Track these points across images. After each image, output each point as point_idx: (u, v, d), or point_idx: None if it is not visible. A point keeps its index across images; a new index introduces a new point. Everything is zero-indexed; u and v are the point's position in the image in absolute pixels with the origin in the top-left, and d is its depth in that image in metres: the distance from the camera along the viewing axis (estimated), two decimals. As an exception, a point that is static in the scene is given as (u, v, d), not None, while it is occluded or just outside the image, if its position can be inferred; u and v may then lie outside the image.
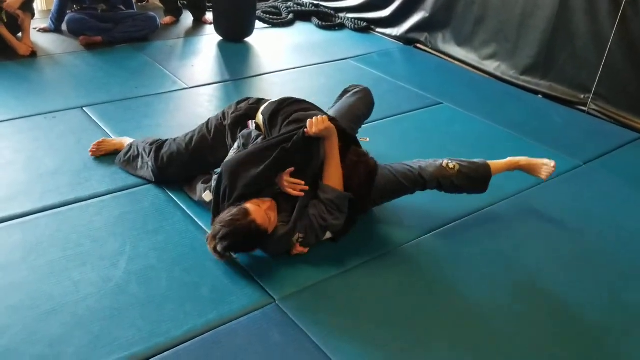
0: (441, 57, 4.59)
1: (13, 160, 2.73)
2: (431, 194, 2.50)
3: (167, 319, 1.91)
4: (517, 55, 4.12)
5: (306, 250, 2.20)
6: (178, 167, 2.54)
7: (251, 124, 2.44)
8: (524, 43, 4.06)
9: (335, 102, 2.81)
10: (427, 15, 4.63)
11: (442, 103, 3.76)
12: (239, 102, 2.57)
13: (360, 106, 2.69)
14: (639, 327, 2.07)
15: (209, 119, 2.59)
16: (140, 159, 2.64)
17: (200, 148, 2.50)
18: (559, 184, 2.91)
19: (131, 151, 2.68)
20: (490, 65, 4.27)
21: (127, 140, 2.81)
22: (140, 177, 2.63)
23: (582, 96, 3.83)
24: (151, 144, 2.63)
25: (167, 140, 2.63)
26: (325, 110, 2.46)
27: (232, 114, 2.50)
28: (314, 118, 2.15)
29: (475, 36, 4.36)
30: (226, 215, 2.07)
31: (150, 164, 2.58)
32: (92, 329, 1.85)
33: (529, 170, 2.58)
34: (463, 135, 3.35)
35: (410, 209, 2.58)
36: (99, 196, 2.51)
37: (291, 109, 2.34)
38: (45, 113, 3.19)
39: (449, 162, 2.41)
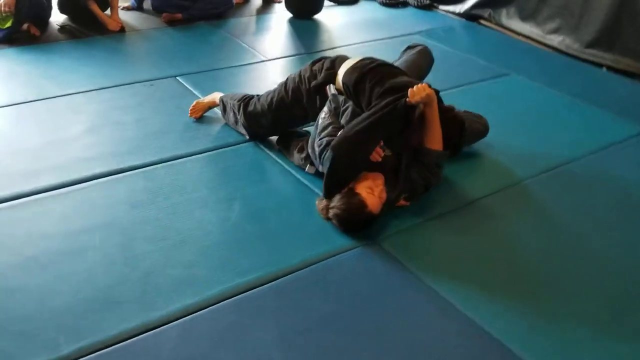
0: (504, 32, 4.73)
1: (124, 121, 3.04)
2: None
3: (281, 250, 2.17)
4: (581, 30, 4.22)
5: (408, 203, 2.40)
6: (264, 126, 2.77)
7: (330, 90, 2.56)
8: (588, 18, 4.16)
9: (399, 58, 2.94)
10: (490, -9, 4.77)
11: (508, 74, 3.92)
12: (313, 63, 2.69)
13: (423, 63, 2.86)
14: None
15: (287, 80, 2.73)
16: (232, 114, 2.89)
17: (279, 108, 2.68)
18: (626, 148, 3.06)
19: (224, 108, 2.94)
20: (555, 40, 4.39)
21: (217, 96, 3.02)
22: (239, 132, 2.88)
23: (647, 68, 3.93)
24: (239, 101, 2.83)
25: (253, 97, 2.82)
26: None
27: (310, 78, 2.62)
28: (415, 87, 2.28)
29: (539, 11, 4.48)
30: (342, 202, 2.21)
31: (241, 120, 2.82)
32: (219, 256, 2.13)
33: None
34: (532, 103, 3.51)
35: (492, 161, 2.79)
36: (205, 152, 2.79)
37: (377, 74, 2.42)
38: (144, 81, 3.50)
39: None
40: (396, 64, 2.81)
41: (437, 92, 2.49)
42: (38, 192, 2.42)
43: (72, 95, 3.28)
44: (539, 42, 4.49)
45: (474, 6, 4.93)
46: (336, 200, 2.24)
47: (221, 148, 2.83)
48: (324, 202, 2.30)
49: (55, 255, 2.09)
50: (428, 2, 5.25)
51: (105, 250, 2.13)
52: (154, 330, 1.81)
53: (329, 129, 2.42)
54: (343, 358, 1.76)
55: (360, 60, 2.51)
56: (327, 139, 2.37)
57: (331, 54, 4.15)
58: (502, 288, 2.07)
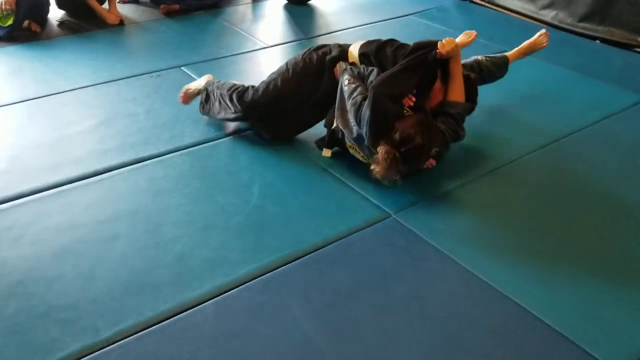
0: (497, 10, 4.80)
1: (136, 113, 3.09)
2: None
3: (305, 230, 2.26)
4: (574, 3, 4.31)
5: (435, 163, 2.46)
6: (262, 117, 2.75)
7: (341, 66, 2.61)
8: (581, -9, 4.25)
9: None
10: (483, -31, 4.83)
11: (506, 50, 3.99)
12: (317, 49, 2.72)
13: None
14: None
15: (286, 65, 2.73)
16: (217, 103, 2.84)
17: (282, 90, 2.67)
18: (626, 117, 3.16)
19: (207, 97, 2.90)
20: (548, 15, 4.47)
21: (203, 82, 2.98)
22: (222, 119, 2.89)
23: (640, 39, 4.03)
24: (229, 90, 2.78)
25: (247, 88, 2.77)
26: None
27: (318, 58, 2.66)
28: (444, 39, 2.44)
29: (532, -12, 4.56)
30: (403, 126, 2.27)
31: (232, 109, 2.78)
32: (245, 237, 2.21)
33: (533, 48, 3.12)
34: (530, 78, 3.59)
35: (490, 137, 2.89)
36: (220, 138, 2.85)
37: (395, 42, 2.60)
38: (150, 72, 3.55)
39: (480, 56, 2.99)
40: None
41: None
42: (61, 184, 2.49)
43: (81, 89, 3.32)
44: (532, 18, 4.57)
45: (467, -15, 4.99)
46: (398, 125, 2.28)
47: (234, 134, 2.89)
48: (380, 146, 2.27)
49: (87, 244, 2.16)
50: (421, -17, 5.30)
51: (136, 236, 2.20)
52: (192, 309, 1.89)
53: (359, 89, 2.43)
54: (375, 328, 1.85)
55: (368, 40, 2.66)
56: (360, 96, 2.39)
57: (329, 38, 4.27)
58: (520, 253, 2.17)
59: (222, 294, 1.96)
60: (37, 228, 2.23)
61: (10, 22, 3.97)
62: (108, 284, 1.99)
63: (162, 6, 4.59)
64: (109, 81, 3.42)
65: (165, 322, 1.85)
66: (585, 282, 2.05)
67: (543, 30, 3.12)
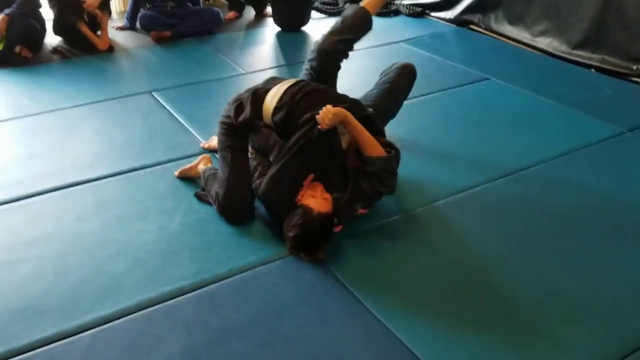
0: (494, 37, 4.65)
1: (91, 137, 3.12)
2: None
3: (212, 260, 2.17)
4: (568, 31, 4.12)
5: (367, 210, 2.34)
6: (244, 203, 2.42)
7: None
8: (575, 18, 4.06)
9: (379, 80, 2.87)
10: (479, -4, 4.71)
11: (488, 79, 3.84)
12: (234, 101, 2.44)
13: (401, 82, 2.80)
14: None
15: (219, 142, 2.46)
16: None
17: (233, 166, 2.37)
18: (599, 150, 2.95)
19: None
20: (543, 42, 4.29)
21: (201, 168, 2.66)
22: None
23: (635, 67, 3.78)
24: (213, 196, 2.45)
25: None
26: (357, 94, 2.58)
27: (236, 116, 2.37)
28: (321, 112, 2.16)
29: (526, 14, 4.39)
30: (291, 221, 2.12)
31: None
32: (149, 266, 2.14)
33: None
34: (506, 107, 3.44)
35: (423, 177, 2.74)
36: (162, 164, 2.82)
37: (302, 106, 2.29)
38: (118, 97, 3.58)
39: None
40: (377, 82, 2.82)
41: (354, 103, 2.37)
42: (-9, 206, 2.50)
43: (46, 113, 3.37)
44: (528, 45, 4.39)
45: (464, 11, 4.87)
46: (285, 225, 2.15)
47: (179, 159, 2.85)
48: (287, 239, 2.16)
49: (-9, 267, 2.15)
50: (419, 9, 5.21)
51: (41, 262, 2.17)
52: (66, 339, 1.83)
53: (259, 169, 2.39)
54: (248, 367, 1.74)
55: (287, 91, 2.34)
56: (258, 181, 2.33)
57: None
58: (425, 301, 2.01)
59: (103, 325, 1.89)
60: (-51, 249, 2.24)
61: (0, 47, 4.11)
62: (-2, 309, 1.96)
63: (152, 33, 4.66)
64: (77, 106, 3.46)
65: (35, 350, 1.79)
66: (484, 344, 1.87)
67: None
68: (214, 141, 2.90)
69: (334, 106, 2.18)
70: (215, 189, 2.42)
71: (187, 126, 3.19)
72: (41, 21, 4.47)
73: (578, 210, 2.49)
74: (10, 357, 1.77)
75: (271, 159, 2.41)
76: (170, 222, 2.39)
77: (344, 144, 2.31)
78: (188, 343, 1.82)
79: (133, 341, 1.83)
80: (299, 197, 2.19)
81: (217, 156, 2.52)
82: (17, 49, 4.22)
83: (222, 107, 3.39)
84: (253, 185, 2.36)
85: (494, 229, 2.38)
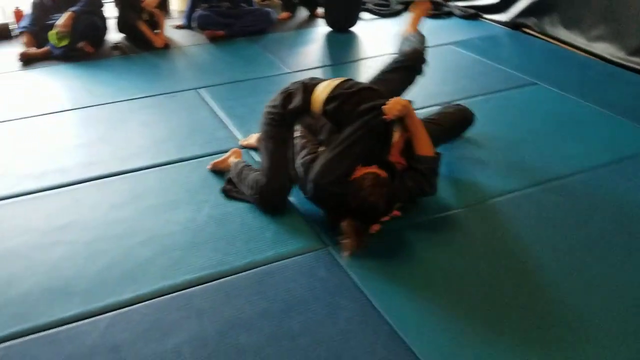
0: (548, 41, 4.50)
1: (136, 130, 3.26)
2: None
3: (233, 253, 2.24)
4: (626, 36, 3.93)
5: (399, 213, 2.31)
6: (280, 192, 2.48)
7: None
8: (634, 23, 3.87)
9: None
10: (534, -1, 4.57)
11: (537, 84, 3.73)
12: (276, 100, 2.48)
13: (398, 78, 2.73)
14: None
15: (260, 143, 2.54)
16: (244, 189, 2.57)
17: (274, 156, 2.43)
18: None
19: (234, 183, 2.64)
20: (599, 47, 4.11)
21: (232, 161, 2.73)
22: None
23: (697, 76, 3.57)
24: (252, 192, 2.49)
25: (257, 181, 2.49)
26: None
27: (285, 106, 2.43)
28: (390, 102, 2.25)
29: (583, 18, 4.23)
30: (358, 188, 2.14)
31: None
32: (173, 255, 2.23)
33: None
34: (551, 113, 3.33)
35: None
36: (198, 157, 2.92)
37: (355, 100, 2.34)
38: (167, 93, 3.72)
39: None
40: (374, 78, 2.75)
41: (410, 102, 2.40)
42: (37, 191, 2.67)
43: (100, 106, 3.56)
44: (583, 50, 4.23)
45: (519, 14, 4.74)
46: (350, 196, 2.15)
47: (212, 155, 2.93)
48: (342, 222, 2.15)
49: (29, 249, 2.29)
50: (473, 11, 5.11)
51: (73, 246, 2.30)
52: (87, 320, 1.94)
53: (308, 147, 2.43)
54: (252, 358, 1.78)
55: (339, 86, 2.41)
56: (308, 157, 2.36)
57: (356, 65, 4.23)
58: (438, 308, 1.98)
59: (122, 308, 1.98)
60: (-5, 229, 2.41)
61: (65, 42, 4.36)
62: (29, 288, 2.09)
63: (206, 32, 4.81)
64: (128, 100, 3.63)
65: (56, 329, 1.91)
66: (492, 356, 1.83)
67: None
68: (252, 139, 2.97)
69: None
70: (254, 177, 2.48)
71: (226, 122, 3.28)
72: (104, 19, 4.72)
73: (618, 222, 2.39)
74: (35, 333, 1.89)
75: (320, 137, 2.43)
76: (198, 214, 2.47)
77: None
78: (199, 331, 1.88)
79: (148, 326, 1.91)
80: (352, 177, 2.20)
81: (258, 146, 2.57)
82: (81, 44, 4.46)
83: (262, 104, 3.47)
84: (301, 161, 2.36)
85: (526, 237, 2.31)
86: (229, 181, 2.64)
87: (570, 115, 3.31)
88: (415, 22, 3.00)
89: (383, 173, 2.23)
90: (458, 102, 3.14)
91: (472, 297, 2.02)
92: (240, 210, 2.49)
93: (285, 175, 2.43)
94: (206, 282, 2.09)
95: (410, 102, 2.34)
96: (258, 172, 2.51)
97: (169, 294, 2.05)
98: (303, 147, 2.45)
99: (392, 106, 2.24)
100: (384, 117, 2.24)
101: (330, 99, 2.37)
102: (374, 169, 2.23)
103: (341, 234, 2.16)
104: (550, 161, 2.83)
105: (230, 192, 2.60)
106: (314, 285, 2.07)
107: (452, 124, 2.80)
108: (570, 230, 2.35)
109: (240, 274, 2.13)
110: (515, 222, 2.41)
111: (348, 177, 2.21)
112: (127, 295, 2.04)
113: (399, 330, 1.86)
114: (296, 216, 2.45)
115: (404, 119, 2.29)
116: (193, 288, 2.07)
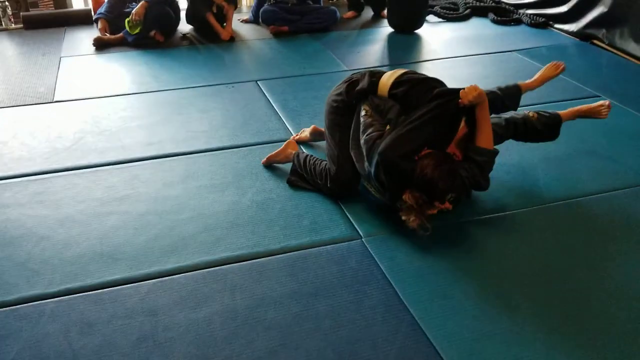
0: (617, 54, 4.36)
1: (194, 116, 3.42)
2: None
3: (270, 236, 2.33)
4: (700, 52, 3.77)
5: (451, 206, 2.31)
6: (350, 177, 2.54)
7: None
8: None
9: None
10: (605, 10, 4.43)
11: (599, 96, 3.63)
12: (343, 86, 2.58)
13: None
14: None
15: (326, 132, 2.63)
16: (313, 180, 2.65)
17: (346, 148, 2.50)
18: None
19: (299, 175, 2.71)
20: (669, 63, 3.96)
21: (290, 153, 2.81)
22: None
23: None
24: (321, 177, 2.58)
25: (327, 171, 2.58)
26: None
27: (348, 93, 2.52)
28: (466, 87, 2.25)
29: (655, 32, 4.08)
30: (427, 164, 2.15)
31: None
32: (215, 234, 2.35)
33: (590, 114, 2.81)
34: (609, 127, 3.23)
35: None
36: (249, 145, 3.05)
37: (425, 85, 2.38)
38: (227, 83, 3.88)
39: (530, 112, 2.67)
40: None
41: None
42: (99, 165, 2.87)
43: (163, 92, 3.76)
44: (652, 65, 4.08)
45: (588, 25, 4.61)
46: (418, 170, 2.16)
47: (265, 144, 3.06)
48: (405, 194, 2.20)
49: (86, 216, 2.48)
50: (542, 20, 5.01)
51: (125, 217, 2.47)
52: (131, 284, 2.08)
53: (375, 125, 2.40)
54: (277, 336, 1.87)
55: (406, 73, 2.47)
56: (375, 134, 2.35)
57: (415, 66, 4.25)
58: (463, 305, 2.00)
59: (163, 277, 2.12)
60: (59, 196, 2.61)
61: (137, 30, 4.61)
62: (82, 251, 2.26)
63: (271, 27, 4.96)
64: (190, 87, 3.82)
65: (101, 290, 2.06)
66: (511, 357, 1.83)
67: (606, 102, 2.79)
68: (304, 133, 3.06)
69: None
70: (322, 167, 2.58)
71: (280, 114, 3.40)
72: (176, 10, 4.95)
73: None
74: (82, 292, 2.05)
75: (389, 117, 2.42)
76: (242, 198, 2.59)
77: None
78: (230, 305, 1.99)
79: (185, 295, 2.04)
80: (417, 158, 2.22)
81: (326, 135, 2.64)
82: (152, 33, 4.70)
83: (315, 99, 3.58)
84: (366, 137, 2.35)
85: (562, 246, 2.29)
86: (294, 172, 2.72)
87: (629, 130, 3.22)
88: (541, 81, 2.87)
89: (448, 153, 2.24)
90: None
91: (500, 300, 2.03)
92: (281, 198, 2.59)
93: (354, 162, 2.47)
94: (242, 261, 2.20)
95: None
96: (325, 162, 2.60)
97: (207, 268, 2.17)
98: (369, 125, 2.41)
99: (468, 92, 2.25)
100: (459, 101, 2.26)
101: (397, 83, 2.41)
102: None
103: (401, 210, 2.20)
104: (600, 174, 2.77)
105: (296, 182, 2.68)
106: (343, 273, 2.13)
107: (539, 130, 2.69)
108: (613, 243, 2.31)
109: (275, 257, 2.23)
110: (560, 230, 2.39)
111: (415, 155, 2.22)
112: (169, 265, 2.17)
113: (420, 322, 1.90)
114: (335, 207, 2.52)
115: (475, 108, 2.29)
116: (229, 265, 2.18)
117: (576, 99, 3.61)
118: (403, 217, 2.22)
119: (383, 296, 2.02)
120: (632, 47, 4.26)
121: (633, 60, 4.23)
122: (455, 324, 1.91)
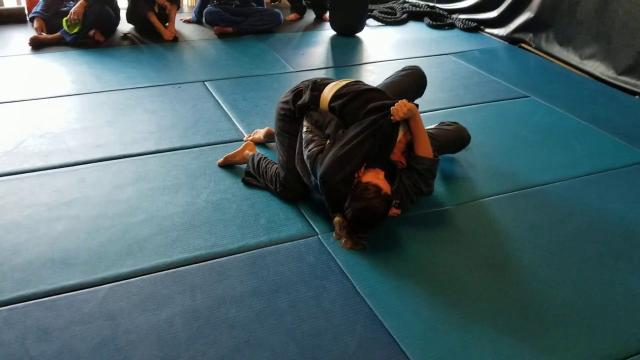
0: (543, 57, 4.64)
1: (142, 117, 3.38)
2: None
3: (228, 236, 2.36)
4: (617, 56, 4.08)
5: (399, 211, 2.42)
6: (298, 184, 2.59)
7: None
8: (624, 43, 4.01)
9: (388, 78, 2.93)
10: (532, 15, 4.71)
11: (528, 96, 3.87)
12: (288, 95, 2.64)
13: (407, 83, 2.85)
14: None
15: (276, 138, 2.70)
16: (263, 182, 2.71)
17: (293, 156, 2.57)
18: (622, 174, 2.94)
19: (252, 175, 2.76)
20: (590, 65, 4.26)
21: (247, 154, 2.85)
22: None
23: (684, 98, 3.71)
24: (272, 183, 2.64)
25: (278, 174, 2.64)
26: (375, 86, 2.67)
27: (294, 102, 2.58)
28: (397, 104, 2.34)
29: (577, 36, 4.38)
30: (356, 197, 2.22)
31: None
32: (171, 235, 2.35)
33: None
34: (539, 125, 3.46)
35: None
36: (200, 146, 3.05)
37: (363, 98, 2.47)
38: (174, 83, 3.86)
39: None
40: (382, 82, 2.88)
41: (416, 105, 2.48)
42: (46, 168, 2.79)
43: (107, 92, 3.69)
44: (575, 67, 4.37)
45: (517, 30, 4.89)
46: (348, 202, 2.25)
47: (213, 145, 3.07)
48: (336, 217, 2.30)
49: (34, 221, 2.42)
50: (474, 24, 5.26)
51: (76, 221, 2.43)
52: (86, 289, 2.06)
53: (315, 140, 2.48)
54: (239, 334, 1.90)
55: (347, 85, 2.55)
56: (316, 149, 2.42)
57: (358, 68, 4.37)
58: (419, 295, 2.11)
59: (120, 281, 2.11)
60: (2, 202, 2.53)
61: (76, 30, 4.49)
62: (32, 257, 2.21)
63: (215, 27, 4.95)
64: (135, 87, 3.77)
65: (56, 296, 2.03)
66: (467, 341, 1.96)
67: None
68: (257, 134, 3.10)
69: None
70: (273, 171, 2.64)
71: (229, 115, 3.42)
72: (116, 9, 4.86)
73: (590, 228, 2.51)
74: (37, 299, 2.01)
75: (327, 132, 2.47)
76: (197, 199, 2.60)
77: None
78: (191, 305, 2.01)
79: (144, 298, 2.03)
80: (357, 175, 2.29)
81: (276, 140, 2.70)
82: (91, 32, 4.59)
83: (264, 99, 3.62)
84: (308, 153, 2.41)
85: (506, 236, 2.44)
86: (248, 173, 2.76)
87: (557, 127, 3.44)
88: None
89: (386, 185, 2.28)
90: (454, 118, 3.22)
91: (452, 288, 2.14)
92: (237, 198, 2.62)
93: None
94: (200, 262, 2.22)
95: (416, 105, 2.43)
96: (276, 165, 2.65)
97: (165, 270, 2.17)
98: (310, 141, 2.49)
99: (399, 108, 2.34)
100: (391, 117, 2.36)
101: (337, 96, 2.50)
102: (378, 173, 2.30)
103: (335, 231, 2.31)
104: (532, 168, 2.96)
105: (250, 182, 2.73)
106: (302, 269, 2.19)
107: (446, 141, 2.86)
108: (546, 232, 2.48)
109: (234, 256, 2.26)
110: (497, 222, 2.54)
111: (355, 174, 2.30)
112: (125, 269, 2.16)
113: (378, 313, 1.99)
114: (290, 205, 2.57)
115: (409, 121, 2.39)
116: (188, 266, 2.20)
117: (508, 99, 3.83)
118: (334, 237, 2.32)
119: (341, 290, 2.09)
120: (556, 50, 4.55)
121: (558, 62, 4.52)
122: (411, 313, 2.01)
